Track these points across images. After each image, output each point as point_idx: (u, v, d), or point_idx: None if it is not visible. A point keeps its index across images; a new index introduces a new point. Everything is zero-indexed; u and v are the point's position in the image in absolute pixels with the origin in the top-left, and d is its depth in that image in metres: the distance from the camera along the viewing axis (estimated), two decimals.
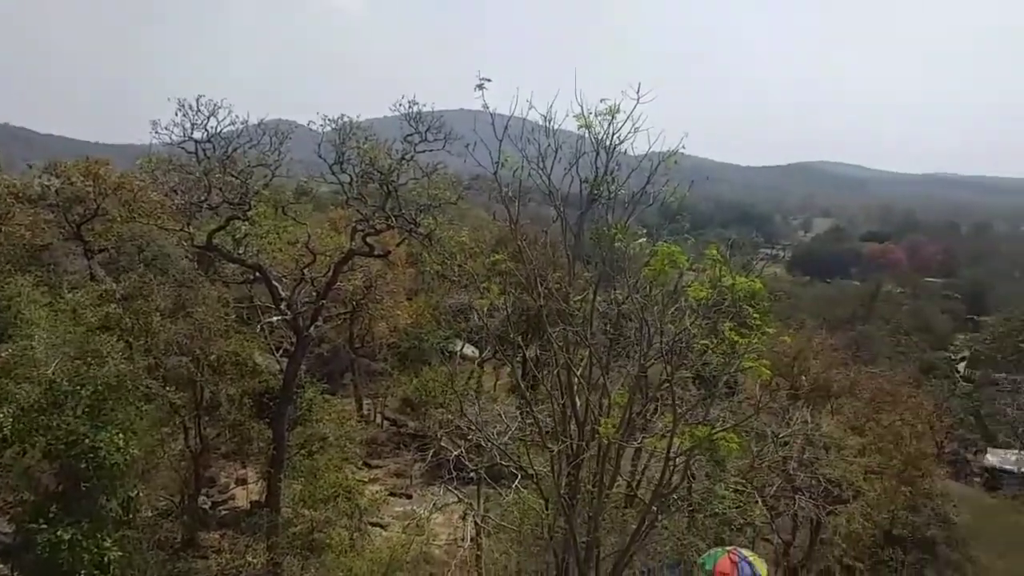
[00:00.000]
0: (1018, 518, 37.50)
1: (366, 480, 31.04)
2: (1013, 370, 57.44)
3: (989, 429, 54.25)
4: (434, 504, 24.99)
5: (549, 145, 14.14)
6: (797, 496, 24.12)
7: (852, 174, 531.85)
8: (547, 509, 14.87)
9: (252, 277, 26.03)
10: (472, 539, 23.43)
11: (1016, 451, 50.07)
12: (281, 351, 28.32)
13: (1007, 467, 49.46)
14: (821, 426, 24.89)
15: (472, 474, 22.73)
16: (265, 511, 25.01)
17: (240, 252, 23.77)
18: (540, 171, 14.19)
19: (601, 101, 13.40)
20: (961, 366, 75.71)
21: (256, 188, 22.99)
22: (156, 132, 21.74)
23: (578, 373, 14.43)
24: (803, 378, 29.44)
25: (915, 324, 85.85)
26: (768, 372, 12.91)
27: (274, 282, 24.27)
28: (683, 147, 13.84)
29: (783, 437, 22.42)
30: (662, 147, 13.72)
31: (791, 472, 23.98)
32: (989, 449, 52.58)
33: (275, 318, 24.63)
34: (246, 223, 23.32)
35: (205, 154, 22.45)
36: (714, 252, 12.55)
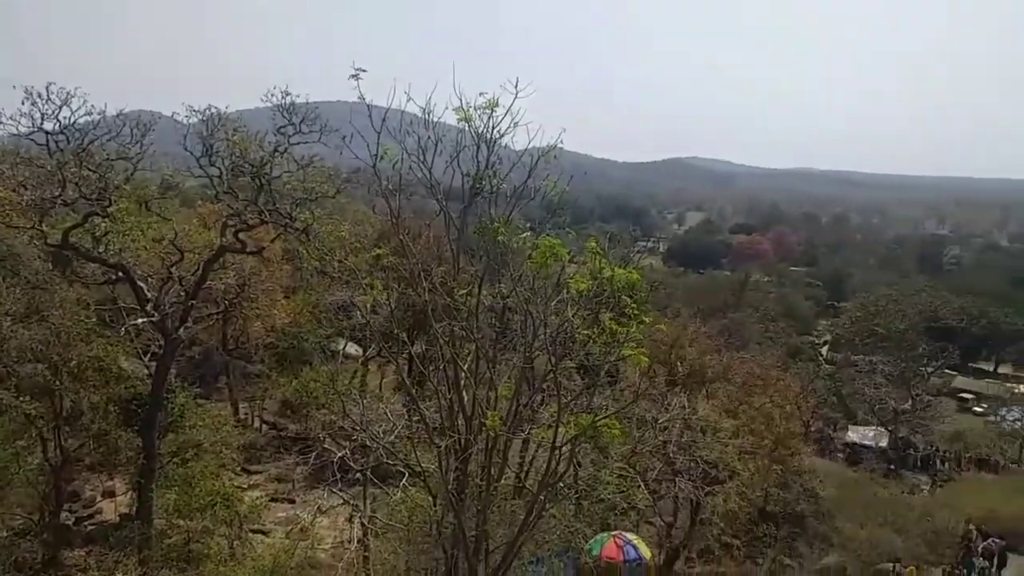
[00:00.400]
0: (877, 489, 40.26)
1: (245, 486, 29.92)
2: (870, 352, 61.58)
3: (850, 407, 57.97)
4: (318, 507, 24.42)
5: (429, 137, 13.99)
6: (677, 479, 24.96)
7: (721, 169, 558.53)
8: (435, 505, 14.71)
9: (114, 277, 24.45)
10: (359, 541, 22.98)
11: (874, 427, 53.73)
12: (149, 355, 26.82)
13: (866, 442, 53.03)
14: (698, 410, 25.78)
15: (357, 475, 22.31)
16: (136, 524, 23.68)
17: (100, 251, 22.27)
18: (421, 164, 14.01)
19: (480, 95, 13.40)
20: (824, 349, 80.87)
21: (116, 182, 21.63)
22: (0, 122, 20.11)
23: (465, 367, 14.35)
24: (680, 364, 30.48)
25: (782, 311, 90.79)
26: (647, 359, 13.19)
27: (139, 282, 22.91)
28: (561, 142, 13.98)
29: (663, 422, 23.14)
30: (541, 142, 13.85)
31: (671, 456, 24.76)
32: (850, 426, 56.26)
33: (141, 320, 23.26)
34: (106, 220, 21.88)
35: (58, 146, 20.94)
36: (594, 245, 12.74)
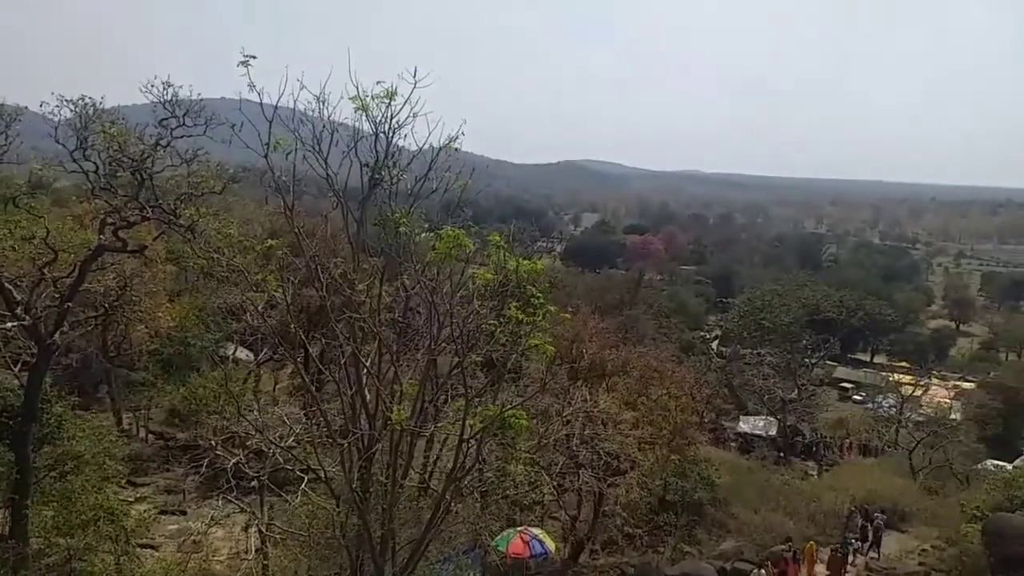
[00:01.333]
0: (768, 476, 42.02)
1: (132, 499, 28.30)
2: (757, 345, 64.15)
3: (740, 398, 60.23)
4: (212, 517, 23.34)
5: (324, 127, 13.55)
6: (580, 471, 25.13)
7: (612, 171, 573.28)
8: (338, 508, 14.22)
9: None
10: (257, 550, 22.05)
11: (763, 417, 55.98)
12: (20, 364, 24.90)
13: (757, 432, 55.23)
14: (599, 403, 26.06)
15: (253, 482, 21.39)
16: (10, 543, 21.92)
17: None
18: (316, 154, 13.54)
19: (377, 83, 13.09)
20: (714, 344, 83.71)
21: None
22: None
23: (367, 364, 13.93)
24: (583, 355, 30.82)
25: (674, 307, 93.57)
26: (552, 349, 13.22)
27: (7, 284, 21.21)
28: (463, 133, 13.82)
29: (566, 415, 23.25)
30: (441, 138, 13.67)
31: (574, 449, 24.90)
32: (741, 417, 58.43)
33: (10, 325, 21.51)
34: None
35: None
36: (497, 239, 12.71)
